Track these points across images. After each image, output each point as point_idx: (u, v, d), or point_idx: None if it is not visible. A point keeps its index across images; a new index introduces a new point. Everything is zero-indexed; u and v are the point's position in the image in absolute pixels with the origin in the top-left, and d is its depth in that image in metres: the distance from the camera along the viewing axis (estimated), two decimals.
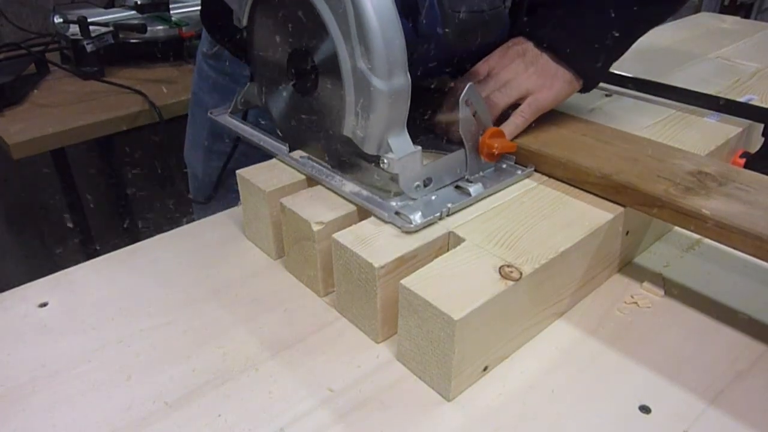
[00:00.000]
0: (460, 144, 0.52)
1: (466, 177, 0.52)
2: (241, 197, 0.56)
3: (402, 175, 0.48)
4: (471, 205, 0.50)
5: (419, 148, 0.48)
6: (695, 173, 0.48)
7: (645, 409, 0.40)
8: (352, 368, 0.43)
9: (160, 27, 1.36)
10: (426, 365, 0.41)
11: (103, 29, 1.29)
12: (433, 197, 0.50)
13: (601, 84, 0.75)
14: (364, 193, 0.50)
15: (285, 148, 0.57)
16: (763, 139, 0.61)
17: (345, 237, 0.45)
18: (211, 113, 0.66)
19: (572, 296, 0.49)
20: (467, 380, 0.42)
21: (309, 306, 0.50)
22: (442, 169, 0.51)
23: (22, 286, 0.52)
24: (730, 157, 0.61)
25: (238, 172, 0.55)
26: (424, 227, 0.47)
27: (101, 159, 1.70)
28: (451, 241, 0.46)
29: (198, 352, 0.45)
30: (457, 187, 0.51)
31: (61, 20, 1.29)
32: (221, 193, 0.83)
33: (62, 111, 1.18)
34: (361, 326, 0.47)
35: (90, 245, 1.51)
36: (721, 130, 0.63)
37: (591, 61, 0.56)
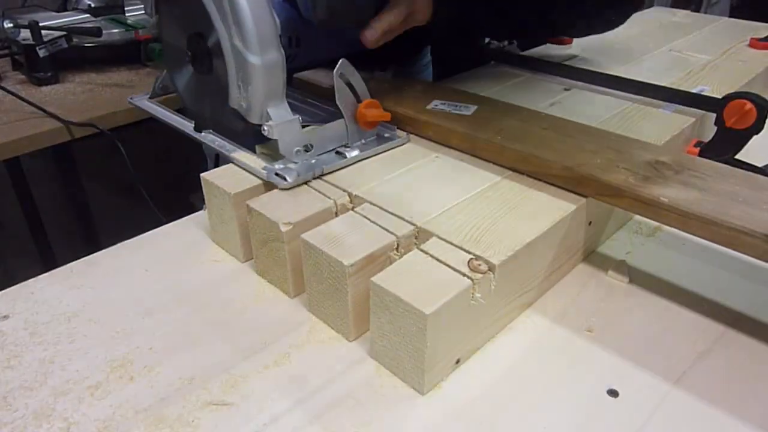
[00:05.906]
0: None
1: (347, 144, 0.58)
2: (205, 200, 0.56)
3: (281, 140, 0.53)
4: (346, 166, 0.56)
5: (297, 116, 0.54)
6: (653, 163, 0.50)
7: (613, 393, 0.41)
8: (325, 367, 0.43)
9: (116, 30, 1.33)
10: (399, 361, 0.42)
11: (56, 33, 1.25)
12: (314, 161, 0.55)
13: (561, 78, 0.78)
14: (259, 161, 0.56)
15: (191, 125, 0.63)
16: (715, 128, 0.63)
17: (314, 237, 0.45)
18: (131, 99, 0.71)
19: (540, 286, 0.50)
20: (440, 373, 0.42)
21: (279, 308, 0.50)
22: (324, 137, 0.57)
23: None
24: (685, 147, 0.63)
25: (202, 175, 0.55)
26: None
27: (58, 168, 1.65)
28: (419, 237, 0.47)
29: (168, 360, 0.44)
30: (337, 152, 0.57)
31: (11, 25, 1.25)
32: None
33: (15, 119, 1.14)
34: (333, 325, 0.47)
35: (49, 257, 1.47)
36: (675, 120, 0.65)
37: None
